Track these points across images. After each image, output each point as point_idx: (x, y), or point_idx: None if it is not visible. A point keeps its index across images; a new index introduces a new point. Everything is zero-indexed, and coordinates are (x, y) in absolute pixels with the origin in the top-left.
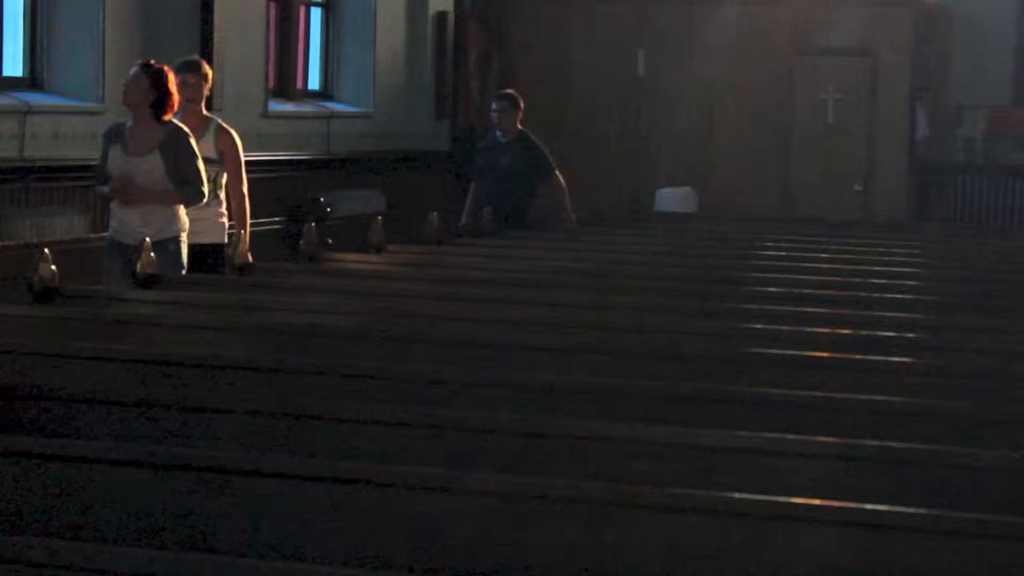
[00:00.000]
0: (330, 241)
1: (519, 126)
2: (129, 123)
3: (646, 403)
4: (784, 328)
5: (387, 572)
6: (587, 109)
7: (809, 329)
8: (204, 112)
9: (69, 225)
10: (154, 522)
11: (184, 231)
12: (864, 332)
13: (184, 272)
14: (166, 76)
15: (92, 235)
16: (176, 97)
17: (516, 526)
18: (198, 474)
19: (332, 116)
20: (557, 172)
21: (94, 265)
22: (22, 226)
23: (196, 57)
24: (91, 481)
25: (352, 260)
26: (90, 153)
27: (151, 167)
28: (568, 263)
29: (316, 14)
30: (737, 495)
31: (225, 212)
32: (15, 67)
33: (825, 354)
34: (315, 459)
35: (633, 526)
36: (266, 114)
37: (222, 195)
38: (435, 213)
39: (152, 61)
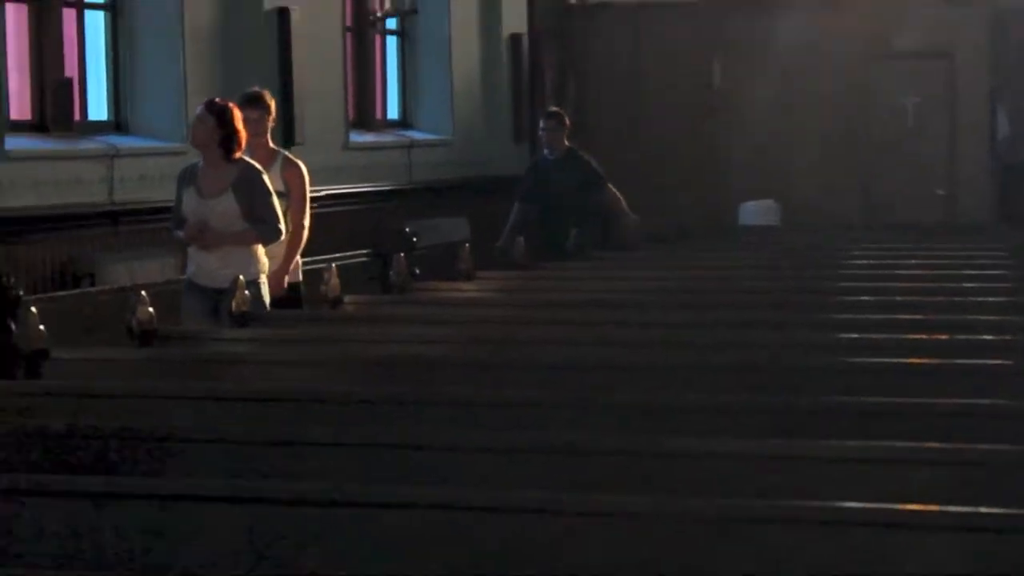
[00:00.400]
0: (417, 271)
1: (566, 143)
2: (201, 164)
3: (750, 418)
4: (880, 336)
5: None
6: (664, 124)
7: (906, 336)
8: (270, 145)
9: (160, 267)
10: (255, 555)
11: (264, 272)
12: (961, 336)
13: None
14: (231, 113)
15: (182, 276)
16: (244, 134)
17: (626, 545)
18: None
19: (412, 145)
20: (609, 184)
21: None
22: (115, 270)
23: (257, 90)
24: (197, 518)
25: (443, 289)
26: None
27: (225, 208)
28: (657, 281)
29: (392, 43)
30: (850, 504)
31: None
32: (100, 111)
33: (925, 360)
34: (418, 487)
35: (746, 540)
36: (347, 146)
37: (287, 231)
38: (521, 238)
39: (217, 99)
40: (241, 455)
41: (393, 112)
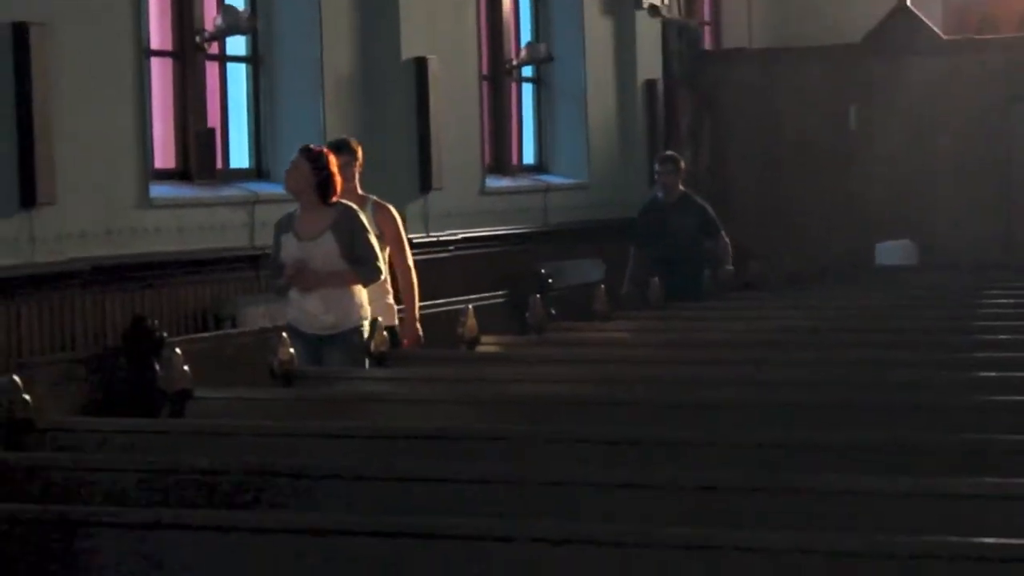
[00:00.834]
0: (554, 312)
1: (681, 187)
2: (297, 211)
3: (887, 455)
4: (1019, 375)
5: None
6: (801, 166)
7: None
8: (359, 191)
9: None
10: None
11: (367, 319)
12: None
13: (367, 363)
14: (326, 158)
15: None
16: (339, 178)
17: None
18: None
19: (548, 189)
20: (723, 231)
21: None
22: (255, 312)
23: (344, 138)
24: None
25: (579, 329)
26: None
27: (326, 250)
28: (794, 320)
29: (527, 90)
30: (988, 541)
31: (391, 291)
32: (242, 159)
33: None
34: (558, 522)
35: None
36: (484, 191)
37: (387, 273)
38: (656, 279)
39: (312, 145)
40: (381, 491)
41: (529, 157)
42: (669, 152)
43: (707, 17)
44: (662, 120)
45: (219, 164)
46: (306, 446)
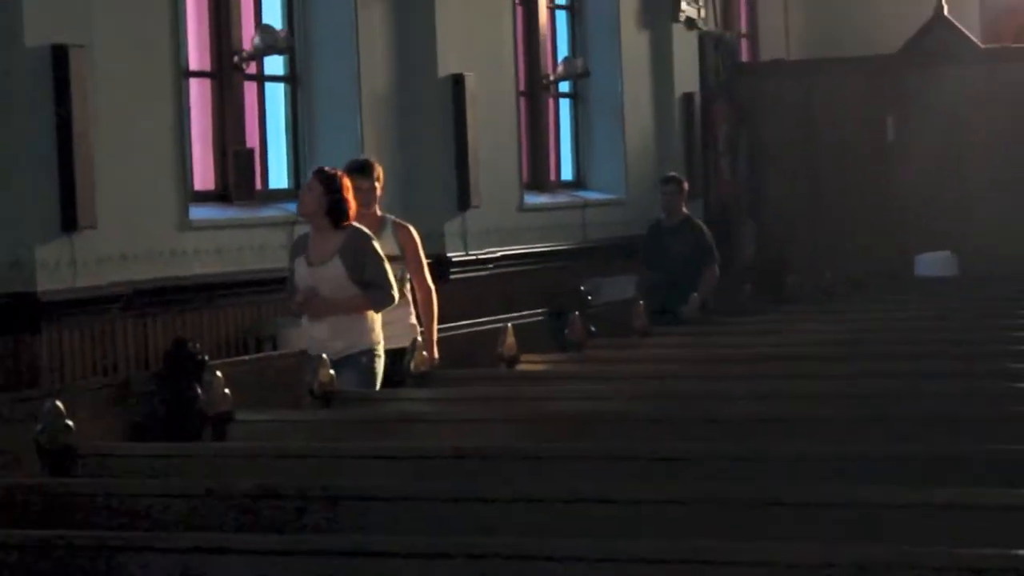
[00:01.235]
0: (593, 328)
1: (684, 210)
2: (311, 233)
3: (922, 467)
4: None
5: None
6: (838, 178)
7: None
8: (378, 212)
9: None
10: None
11: (379, 343)
12: None
13: (378, 386)
14: (339, 181)
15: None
16: (352, 202)
17: None
18: (488, 561)
19: (586, 205)
20: (716, 266)
21: None
22: (296, 333)
23: (365, 158)
24: (383, 573)
25: (618, 346)
26: None
27: (333, 274)
28: (833, 334)
29: (565, 105)
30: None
31: (414, 312)
32: (281, 180)
33: None
34: (601, 540)
35: None
36: (522, 207)
37: (408, 294)
38: (695, 294)
39: (326, 168)
40: (423, 512)
41: (567, 173)
42: (672, 173)
43: (744, 29)
44: (699, 134)
45: (258, 185)
46: (347, 467)
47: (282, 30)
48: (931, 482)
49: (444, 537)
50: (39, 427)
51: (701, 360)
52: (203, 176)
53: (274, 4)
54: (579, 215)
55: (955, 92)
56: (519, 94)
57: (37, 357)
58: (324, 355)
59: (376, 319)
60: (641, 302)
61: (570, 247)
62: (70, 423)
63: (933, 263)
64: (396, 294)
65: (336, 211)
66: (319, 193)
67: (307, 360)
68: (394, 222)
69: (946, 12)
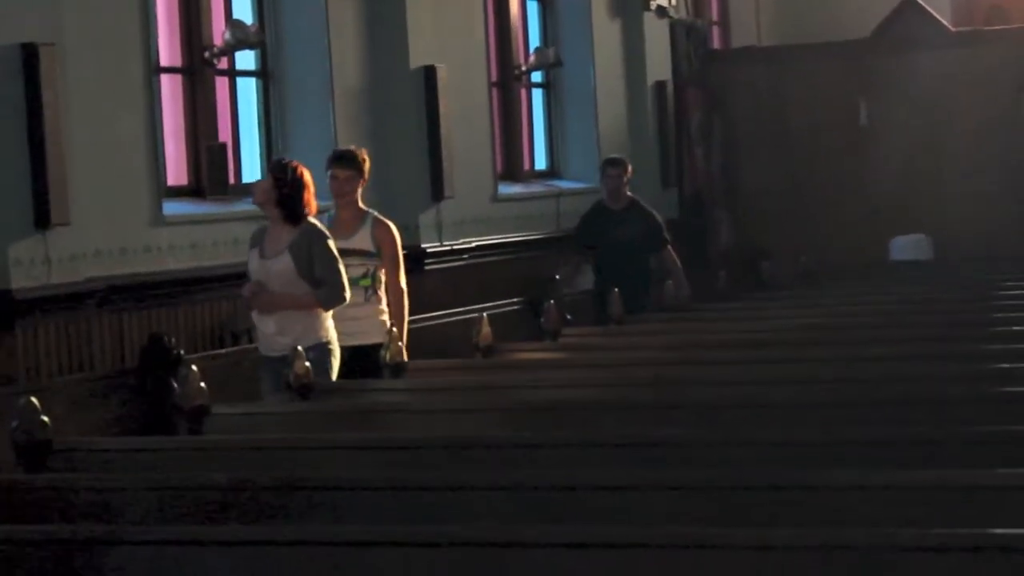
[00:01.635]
0: (569, 317)
1: (628, 193)
2: (268, 226)
3: (901, 450)
4: None
5: None
6: (812, 164)
7: None
8: (360, 205)
9: None
10: None
11: (328, 338)
12: None
13: (334, 377)
14: (292, 173)
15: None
16: (309, 196)
17: None
18: (467, 548)
19: (560, 194)
20: (670, 246)
21: None
22: None
23: (349, 148)
24: (363, 563)
25: (594, 333)
26: None
27: (281, 268)
28: (810, 319)
29: (537, 95)
30: (1014, 531)
31: (386, 310)
32: (254, 174)
33: None
34: (582, 527)
35: (901, 570)
36: (496, 197)
37: (382, 291)
38: (670, 281)
39: (282, 159)
40: (400, 502)
41: (541, 163)
42: (615, 155)
43: (715, 17)
44: (672, 121)
45: (231, 179)
46: (324, 459)
47: (253, 25)
48: (912, 464)
49: (422, 526)
50: (14, 424)
51: (678, 347)
52: (176, 172)
53: None
54: (553, 204)
55: (927, 76)
56: (491, 85)
57: (12, 354)
58: (272, 352)
59: (327, 315)
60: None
61: (545, 236)
62: (46, 419)
63: (907, 247)
64: (347, 294)
65: (287, 204)
66: (269, 185)
67: (257, 356)
68: (375, 218)
69: None
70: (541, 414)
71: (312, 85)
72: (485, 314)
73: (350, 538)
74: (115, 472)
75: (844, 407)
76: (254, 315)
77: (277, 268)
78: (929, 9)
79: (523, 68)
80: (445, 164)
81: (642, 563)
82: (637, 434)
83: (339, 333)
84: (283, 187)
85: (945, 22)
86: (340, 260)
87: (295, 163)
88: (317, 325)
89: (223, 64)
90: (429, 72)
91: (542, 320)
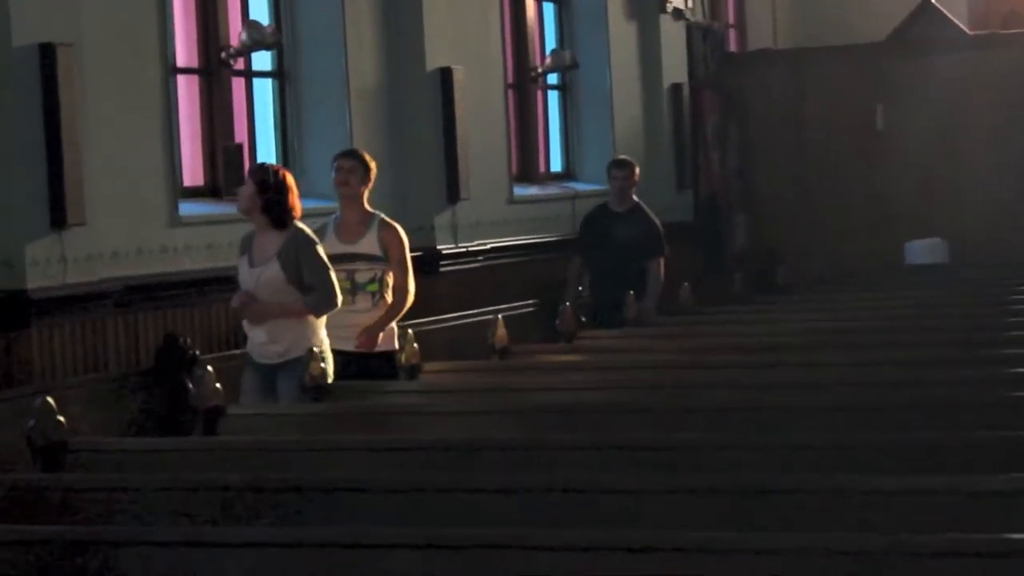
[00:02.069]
0: (584, 319)
1: (634, 196)
2: (256, 233)
3: (916, 454)
4: None
5: None
6: (828, 168)
7: None
8: (367, 207)
9: None
10: None
11: (321, 347)
12: None
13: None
14: (276, 177)
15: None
16: (294, 200)
17: None
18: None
19: (576, 196)
20: (663, 259)
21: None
22: None
23: (355, 149)
24: (376, 564)
25: (608, 336)
26: None
27: (270, 276)
28: (824, 323)
29: (553, 97)
30: (1017, 536)
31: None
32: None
33: None
34: (588, 531)
35: (914, 574)
36: (512, 200)
37: (389, 296)
38: (687, 284)
39: (265, 163)
40: (416, 504)
41: (556, 165)
42: (623, 156)
43: (731, 19)
44: (688, 124)
45: None
46: (339, 460)
47: (269, 26)
48: (929, 469)
49: (439, 528)
50: (31, 423)
51: (693, 350)
52: (192, 172)
53: (261, 0)
54: (569, 206)
55: (944, 79)
56: (507, 87)
57: (28, 354)
58: (263, 360)
59: (319, 323)
60: (580, 288)
61: (560, 238)
62: (62, 419)
63: (923, 250)
64: (338, 299)
65: (273, 210)
66: (253, 191)
67: (246, 363)
68: (381, 220)
69: None
70: (556, 417)
71: (328, 86)
72: (500, 316)
73: (365, 540)
74: (130, 472)
75: (858, 411)
76: (245, 324)
77: (266, 276)
78: (946, 12)
79: (539, 70)
80: (461, 166)
81: (654, 567)
82: (650, 438)
83: (344, 337)
84: (267, 192)
85: (962, 25)
86: (330, 265)
87: (276, 167)
88: (309, 333)
89: (239, 65)
90: (445, 74)
91: (557, 322)
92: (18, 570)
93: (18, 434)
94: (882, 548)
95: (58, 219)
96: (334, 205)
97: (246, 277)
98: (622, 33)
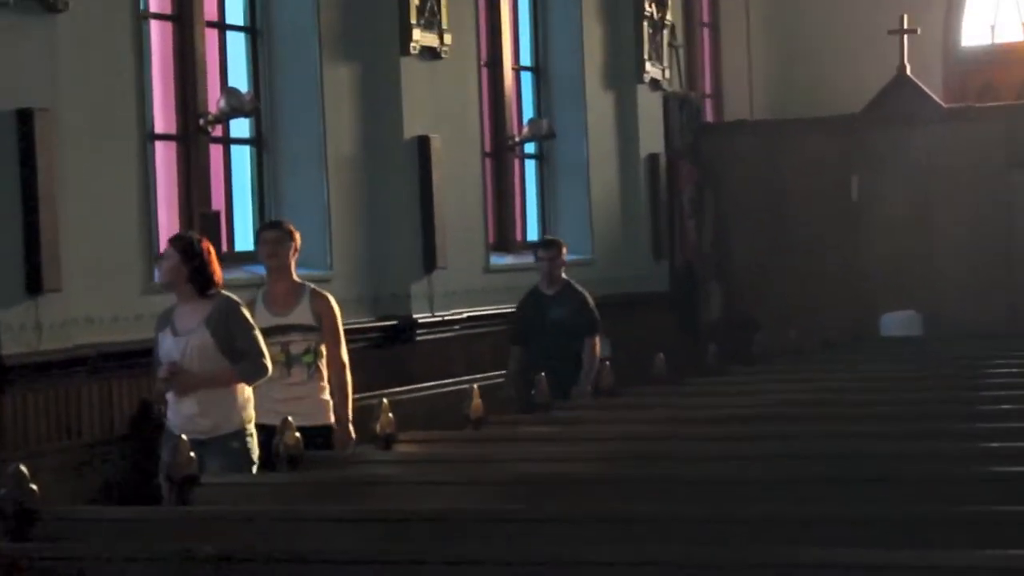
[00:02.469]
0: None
1: (564, 276)
2: (176, 305)
3: (888, 528)
4: (1022, 445)
5: None
6: (804, 239)
7: None
8: (295, 278)
9: None
10: None
11: (249, 421)
12: None
13: (255, 466)
14: (198, 245)
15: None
16: (216, 267)
17: None
18: None
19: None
20: (598, 337)
21: None
22: None
23: (278, 219)
24: None
25: (585, 407)
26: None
27: (199, 344)
28: (798, 395)
29: (530, 166)
30: None
31: (327, 387)
32: (247, 242)
33: None
34: None
35: None
36: (488, 268)
37: (323, 367)
38: (661, 354)
39: (185, 232)
40: (390, 575)
41: (533, 234)
42: (550, 236)
43: (708, 90)
44: (664, 193)
45: (224, 247)
46: (314, 530)
47: (248, 93)
48: (896, 544)
49: None
50: (2, 491)
51: (669, 421)
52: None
53: (240, 67)
54: None
55: (919, 151)
56: (484, 155)
57: (1, 421)
58: (189, 435)
59: (248, 395)
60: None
61: None
62: (34, 487)
63: (898, 323)
64: (269, 365)
65: (199, 278)
66: (177, 261)
67: (166, 438)
68: (312, 290)
69: (909, 71)
70: (532, 487)
71: (306, 153)
72: (476, 385)
73: None
74: (102, 541)
75: (830, 483)
76: (169, 396)
77: (194, 344)
78: (921, 85)
79: (516, 139)
80: (438, 234)
81: None
82: (625, 509)
83: (280, 412)
84: (194, 261)
85: (937, 98)
86: (259, 330)
87: (197, 235)
88: (239, 407)
89: (217, 132)
90: (423, 142)
91: (533, 392)
92: None
93: None
94: None
95: (34, 285)
96: (313, 272)
97: (171, 348)
98: (599, 103)
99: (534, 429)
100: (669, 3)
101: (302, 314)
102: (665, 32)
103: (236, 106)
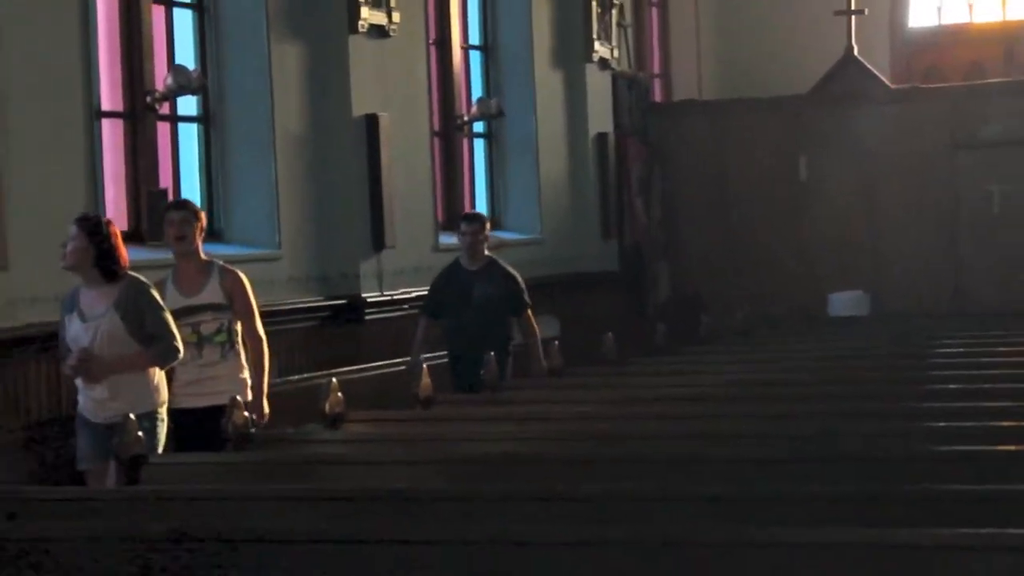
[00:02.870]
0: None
1: (487, 252)
2: (81, 287)
3: (836, 507)
4: (967, 424)
5: None
6: (752, 219)
7: (993, 424)
8: (202, 256)
9: None
10: None
11: (162, 404)
12: None
13: (160, 449)
14: (106, 228)
15: (278, 379)
16: (123, 250)
17: None
18: None
19: (502, 245)
20: (531, 311)
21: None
22: None
23: (183, 199)
24: None
25: (533, 386)
26: (270, 299)
27: (109, 328)
28: (746, 375)
29: (479, 146)
30: None
31: (245, 365)
32: None
33: (1013, 447)
34: None
35: None
36: (437, 248)
37: (240, 346)
38: (610, 334)
39: (89, 214)
40: (339, 555)
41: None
42: (474, 211)
43: (657, 70)
44: (613, 173)
45: None
46: (262, 510)
47: (195, 70)
48: (844, 522)
49: None
50: None
51: (616, 401)
52: (116, 217)
53: (187, 44)
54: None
55: (866, 132)
56: (433, 134)
57: None
58: (100, 419)
59: (160, 376)
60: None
61: None
62: None
63: (845, 303)
64: (180, 347)
65: (106, 260)
66: (84, 244)
67: (79, 424)
68: (221, 267)
69: (856, 53)
70: (481, 467)
71: (254, 131)
72: (425, 365)
73: None
74: (50, 521)
75: (777, 463)
76: (79, 382)
77: (104, 329)
78: (868, 66)
79: (465, 118)
80: (386, 213)
81: None
82: (572, 489)
83: (195, 394)
84: (102, 243)
85: (884, 79)
86: (169, 312)
87: (104, 217)
88: (151, 388)
89: (165, 109)
90: (371, 121)
91: (482, 372)
92: None
93: None
94: None
95: None
96: (260, 251)
97: (80, 333)
98: (548, 82)
99: (483, 409)
100: None
101: (212, 293)
102: (614, 12)
103: (184, 84)
